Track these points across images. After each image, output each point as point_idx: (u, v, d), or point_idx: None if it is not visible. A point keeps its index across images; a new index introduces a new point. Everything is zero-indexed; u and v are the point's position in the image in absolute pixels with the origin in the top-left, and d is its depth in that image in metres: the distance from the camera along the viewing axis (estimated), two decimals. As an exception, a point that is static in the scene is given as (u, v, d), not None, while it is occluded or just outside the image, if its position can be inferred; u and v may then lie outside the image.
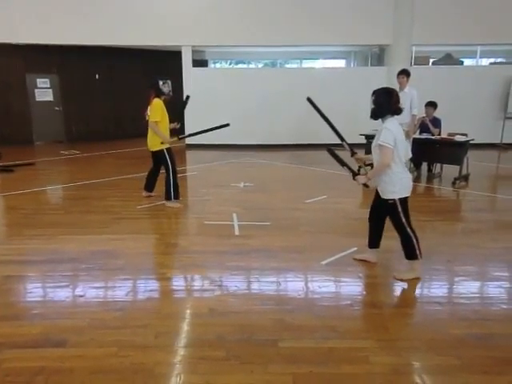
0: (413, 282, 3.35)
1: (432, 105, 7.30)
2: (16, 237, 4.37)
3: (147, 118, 5.19)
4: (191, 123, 11.20)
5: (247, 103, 10.87)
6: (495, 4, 10.42)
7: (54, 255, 3.77)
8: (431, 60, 11.93)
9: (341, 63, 14.33)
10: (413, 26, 10.44)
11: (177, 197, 5.31)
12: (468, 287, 3.30)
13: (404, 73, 6.63)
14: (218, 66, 14.48)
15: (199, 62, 11.93)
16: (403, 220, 3.26)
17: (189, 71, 11.05)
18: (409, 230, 3.27)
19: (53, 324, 2.66)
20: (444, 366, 2.31)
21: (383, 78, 10.76)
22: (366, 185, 3.42)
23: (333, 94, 10.55)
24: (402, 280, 3.34)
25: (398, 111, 3.25)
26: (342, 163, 3.49)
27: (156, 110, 5.02)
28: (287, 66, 14.48)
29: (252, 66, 14.33)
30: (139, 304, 2.96)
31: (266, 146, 10.89)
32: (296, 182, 7.12)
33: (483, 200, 5.91)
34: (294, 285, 3.31)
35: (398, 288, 3.31)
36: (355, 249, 3.93)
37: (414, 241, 3.28)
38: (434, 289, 3.32)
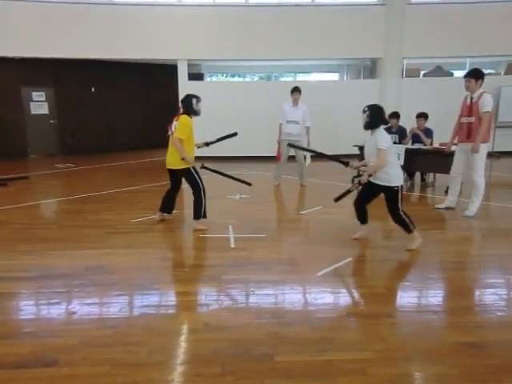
0: (409, 291, 3.34)
1: (423, 116, 7.38)
2: (7, 252, 4.31)
3: (169, 133, 4.85)
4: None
5: (243, 116, 10.92)
6: (483, 18, 10.65)
7: (46, 271, 3.72)
8: (422, 72, 12.09)
9: (334, 76, 14.47)
10: (403, 39, 10.62)
11: (205, 215, 4.96)
12: (463, 295, 3.29)
13: (297, 90, 7.24)
14: (213, 79, 14.58)
15: (195, 76, 12.02)
16: (399, 204, 4.05)
17: (185, 84, 11.12)
18: (402, 213, 4.07)
19: (44, 343, 2.60)
20: (441, 375, 2.29)
21: (375, 90, 10.90)
22: (359, 183, 4.24)
23: (326, 107, 10.64)
24: (411, 250, 4.10)
25: (386, 122, 4.15)
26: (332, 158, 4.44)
27: (184, 128, 4.66)
28: (282, 79, 14.60)
29: (247, 79, 14.44)
30: (132, 320, 2.91)
31: (262, 158, 10.92)
32: (291, 193, 7.12)
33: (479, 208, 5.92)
34: (289, 297, 3.28)
35: (394, 298, 3.30)
36: (350, 259, 3.92)
37: (407, 220, 4.08)
38: (428, 297, 3.31)
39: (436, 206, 5.95)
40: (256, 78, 14.62)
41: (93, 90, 12.67)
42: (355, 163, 4.45)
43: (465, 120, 5.35)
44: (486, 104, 5.15)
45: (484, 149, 5.29)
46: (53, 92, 12.11)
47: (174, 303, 3.22)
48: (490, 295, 3.27)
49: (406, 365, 2.40)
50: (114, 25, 10.59)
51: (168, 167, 4.90)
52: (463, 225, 5.26)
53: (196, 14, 10.82)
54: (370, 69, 12.32)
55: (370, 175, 4.05)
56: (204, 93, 11.12)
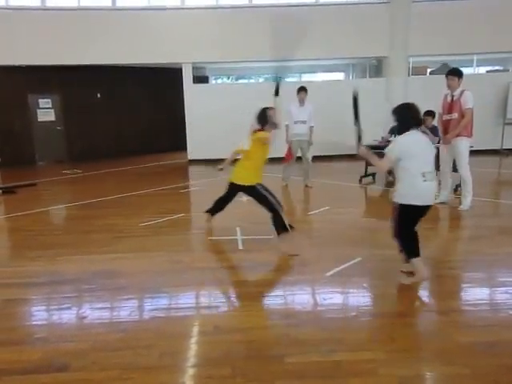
0: (418, 291, 3.32)
1: (430, 114, 7.33)
2: (17, 259, 4.35)
3: (243, 149, 4.54)
4: (194, 140, 11.30)
5: (249, 118, 10.92)
6: (489, 14, 10.56)
7: (56, 277, 3.74)
8: (428, 70, 12.01)
9: (340, 76, 14.44)
10: (409, 37, 10.55)
11: (291, 226, 4.33)
12: (474, 294, 3.26)
13: (304, 89, 7.20)
14: (218, 81, 14.61)
15: (200, 79, 12.05)
16: (397, 225, 3.37)
17: (190, 88, 11.16)
18: (399, 237, 3.38)
19: (54, 348, 2.61)
20: (453, 375, 2.27)
21: (382, 89, 10.84)
22: (361, 157, 3.60)
23: (332, 107, 10.61)
24: (404, 283, 3.38)
25: (420, 122, 3.42)
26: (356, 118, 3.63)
27: (264, 139, 4.34)
28: (287, 79, 14.59)
29: (252, 81, 14.46)
30: (142, 324, 2.92)
31: (269, 159, 10.91)
32: (298, 194, 7.10)
33: (485, 206, 5.87)
34: (299, 298, 3.27)
35: (404, 297, 3.27)
36: (359, 259, 3.89)
37: (404, 246, 3.38)
38: (439, 297, 3.28)
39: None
40: (261, 80, 14.62)
41: (98, 95, 12.75)
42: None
43: (447, 117, 5.52)
44: (469, 101, 5.35)
45: (467, 144, 5.46)
46: (59, 99, 12.22)
47: (183, 306, 3.22)
48: (501, 294, 3.24)
49: (418, 365, 2.37)
50: (118, 30, 10.65)
51: (234, 181, 4.49)
52: (471, 223, 5.22)
53: (200, 16, 10.85)
54: (376, 68, 12.28)
55: (361, 153, 3.52)
56: (209, 95, 11.29)
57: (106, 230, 5.15)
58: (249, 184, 4.37)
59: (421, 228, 4.92)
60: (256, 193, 4.35)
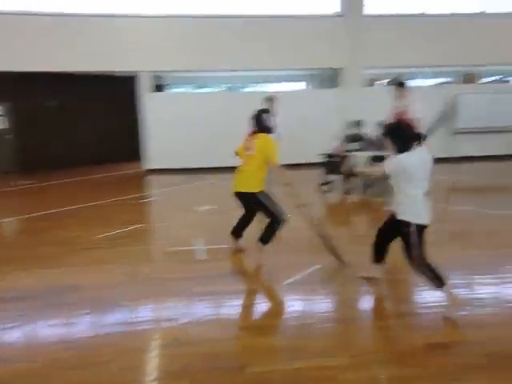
0: (375, 296, 3.41)
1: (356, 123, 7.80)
2: (-36, 275, 4.10)
3: (236, 154, 4.42)
4: (154, 148, 11.11)
5: (208, 127, 10.89)
6: (438, 29, 11.22)
7: (7, 293, 3.55)
8: (383, 81, 12.55)
9: (300, 86, 14.72)
10: (362, 49, 10.99)
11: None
12: (426, 297, 3.38)
13: (273, 99, 7.38)
14: (177, 90, 14.50)
15: (158, 87, 11.93)
16: (412, 251, 3.09)
17: (148, 96, 11.02)
18: (421, 264, 3.06)
19: (5, 369, 2.48)
20: (412, 377, 2.34)
21: (337, 98, 11.18)
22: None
23: (291, 116, 10.78)
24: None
25: (418, 137, 3.13)
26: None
27: (274, 149, 4.08)
28: (247, 89, 14.69)
29: (213, 89, 14.47)
30: (100, 339, 2.82)
31: (229, 169, 10.90)
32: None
33: (436, 212, 6.11)
34: (259, 307, 3.29)
35: (362, 303, 3.36)
36: (319, 266, 3.96)
37: (429, 274, 3.03)
38: (395, 301, 3.38)
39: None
40: (220, 89, 14.66)
41: (51, 103, 12.32)
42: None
43: None
44: (417, 111, 5.73)
45: None
46: (10, 106, 11.71)
47: (142, 319, 3.14)
48: (452, 295, 3.38)
49: (378, 369, 2.43)
50: (74, 37, 10.36)
51: (238, 190, 4.19)
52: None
53: (159, 25, 10.79)
54: (334, 78, 12.64)
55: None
56: (167, 104, 11.17)
57: (61, 242, 4.96)
58: (252, 191, 4.12)
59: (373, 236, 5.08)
60: (256, 201, 4.15)
